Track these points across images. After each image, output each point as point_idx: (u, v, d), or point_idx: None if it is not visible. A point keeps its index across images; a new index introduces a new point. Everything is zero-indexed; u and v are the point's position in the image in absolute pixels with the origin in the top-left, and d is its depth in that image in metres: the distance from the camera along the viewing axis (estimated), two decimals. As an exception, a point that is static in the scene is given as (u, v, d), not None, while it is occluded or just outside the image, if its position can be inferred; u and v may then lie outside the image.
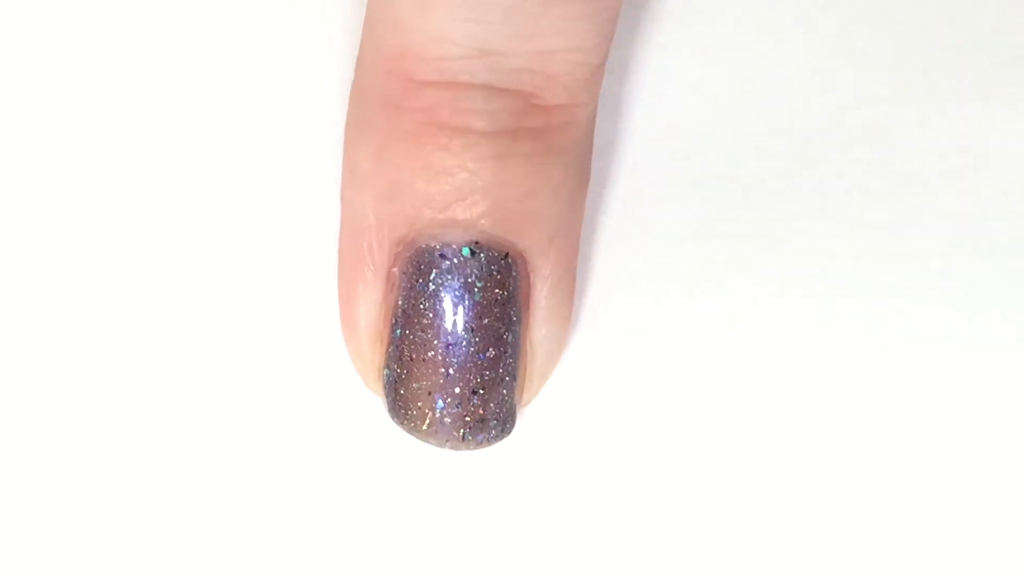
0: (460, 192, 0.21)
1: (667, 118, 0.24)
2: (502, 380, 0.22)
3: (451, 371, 0.22)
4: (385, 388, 0.22)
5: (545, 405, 0.24)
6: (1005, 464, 0.25)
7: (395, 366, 0.22)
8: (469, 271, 0.21)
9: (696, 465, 0.25)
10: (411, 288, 0.22)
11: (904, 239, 0.24)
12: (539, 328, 0.22)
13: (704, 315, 0.24)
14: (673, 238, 0.24)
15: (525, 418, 0.24)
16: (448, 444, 0.22)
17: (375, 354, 0.22)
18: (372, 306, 0.22)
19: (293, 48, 0.24)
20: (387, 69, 0.21)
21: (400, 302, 0.22)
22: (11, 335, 0.24)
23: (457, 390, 0.22)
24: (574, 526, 0.25)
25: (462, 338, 0.22)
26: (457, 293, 0.21)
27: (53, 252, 0.24)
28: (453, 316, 0.21)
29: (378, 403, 0.23)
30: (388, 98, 0.21)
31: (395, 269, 0.22)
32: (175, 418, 0.24)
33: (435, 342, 0.22)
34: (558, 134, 0.21)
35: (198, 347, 0.24)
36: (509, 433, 0.23)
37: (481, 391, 0.22)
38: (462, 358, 0.22)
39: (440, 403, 0.22)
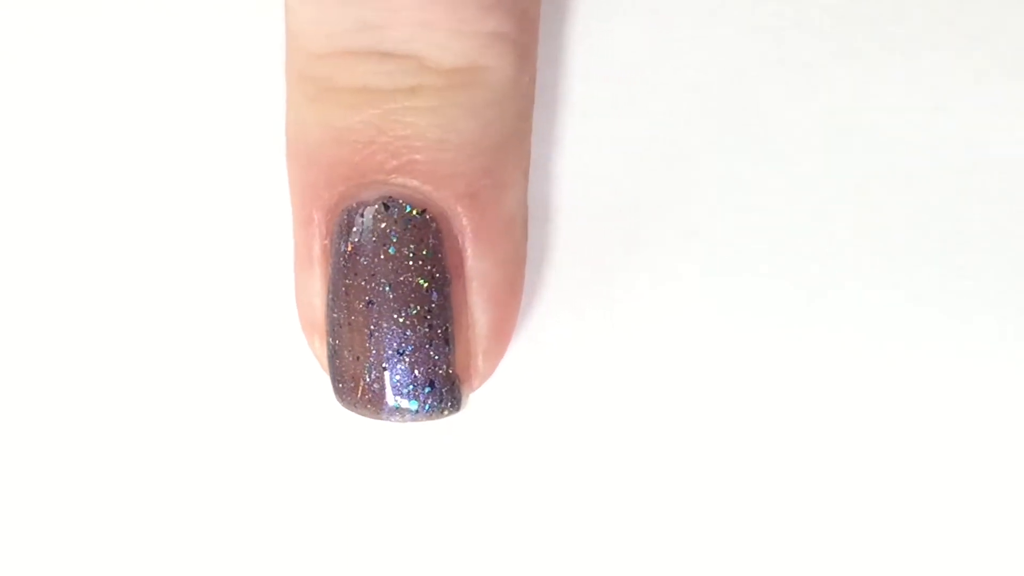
0: (367, 149, 0.21)
1: (666, 118, 0.24)
2: (430, 341, 0.21)
3: (373, 330, 0.21)
4: (328, 369, 0.22)
5: (542, 405, 0.24)
6: (1003, 464, 0.25)
7: (331, 340, 0.22)
8: (385, 226, 0.21)
9: (695, 465, 0.25)
10: (335, 254, 0.21)
11: (904, 239, 0.24)
12: (471, 294, 0.22)
13: (703, 315, 0.24)
14: (671, 238, 0.24)
15: (522, 417, 0.24)
16: (385, 413, 0.22)
17: (324, 338, 0.22)
18: (317, 287, 0.22)
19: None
20: (292, 48, 0.22)
21: (330, 271, 0.22)
22: (4, 333, 0.24)
23: (381, 350, 0.21)
24: (568, 525, 0.25)
25: (380, 294, 0.21)
26: (373, 249, 0.21)
27: (53, 252, 0.24)
28: (370, 272, 0.21)
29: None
30: (294, 72, 0.22)
31: (326, 241, 0.22)
32: (170, 416, 0.25)
33: (357, 303, 0.21)
34: (462, 92, 0.21)
35: (193, 345, 0.24)
36: (453, 407, 0.22)
37: (409, 351, 0.21)
38: (380, 316, 0.21)
39: (367, 366, 0.21)
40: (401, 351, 0.21)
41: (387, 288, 0.21)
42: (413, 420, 0.22)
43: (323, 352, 0.22)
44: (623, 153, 0.24)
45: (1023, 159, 0.24)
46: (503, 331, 0.23)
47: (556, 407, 0.25)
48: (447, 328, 0.22)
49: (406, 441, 0.25)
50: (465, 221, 0.22)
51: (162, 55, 0.24)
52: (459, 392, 0.22)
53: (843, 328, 0.24)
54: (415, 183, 0.21)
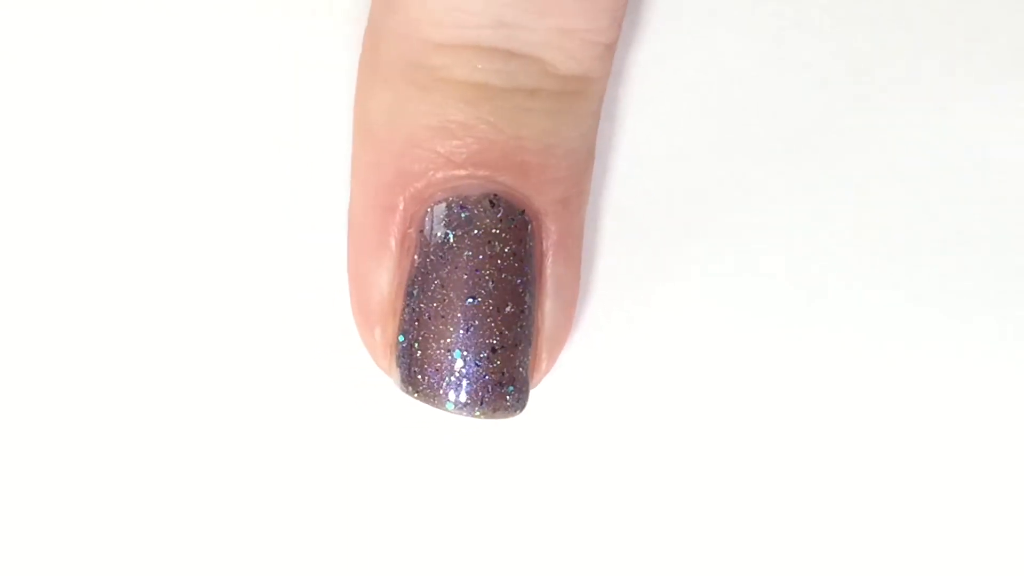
0: (480, 144, 0.21)
1: (666, 118, 0.24)
2: (518, 342, 0.22)
3: (472, 325, 0.21)
4: (399, 358, 0.22)
5: (543, 405, 0.24)
6: (1003, 463, 0.25)
7: (411, 329, 0.22)
8: (490, 223, 0.21)
9: (695, 466, 0.25)
10: (428, 244, 0.21)
11: (904, 239, 0.24)
12: (547, 298, 0.22)
13: (703, 315, 0.24)
14: (671, 238, 0.24)
15: (532, 413, 0.24)
16: (466, 408, 0.22)
17: (388, 327, 0.22)
18: (386, 275, 0.22)
19: (292, 36, 0.24)
20: (403, 33, 0.21)
21: (417, 260, 0.22)
22: (15, 336, 0.24)
23: (475, 346, 0.21)
24: (574, 526, 0.25)
25: (482, 291, 0.21)
26: (478, 245, 0.21)
27: (57, 253, 0.24)
28: (475, 269, 0.21)
29: (373, 400, 0.23)
30: (404, 57, 0.21)
31: (411, 230, 0.22)
32: (177, 415, 0.25)
33: (454, 297, 0.21)
34: (574, 99, 0.22)
35: (203, 342, 0.24)
36: (522, 408, 0.22)
37: (501, 349, 0.21)
38: (482, 312, 0.21)
39: (459, 361, 0.21)
40: (495, 348, 0.21)
41: (490, 284, 0.21)
42: (490, 418, 0.22)
43: (383, 341, 0.22)
44: (622, 153, 0.24)
45: (1023, 159, 0.24)
46: (565, 334, 0.23)
47: (563, 402, 0.25)
48: (532, 329, 0.22)
49: (419, 440, 0.25)
50: (553, 227, 0.22)
51: (167, 55, 0.24)
52: (528, 393, 0.22)
53: (843, 328, 0.24)
54: (521, 183, 0.21)
